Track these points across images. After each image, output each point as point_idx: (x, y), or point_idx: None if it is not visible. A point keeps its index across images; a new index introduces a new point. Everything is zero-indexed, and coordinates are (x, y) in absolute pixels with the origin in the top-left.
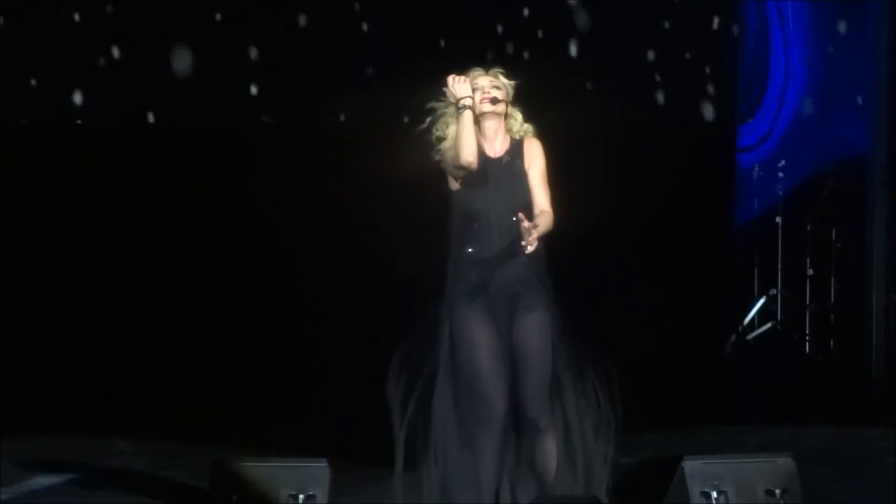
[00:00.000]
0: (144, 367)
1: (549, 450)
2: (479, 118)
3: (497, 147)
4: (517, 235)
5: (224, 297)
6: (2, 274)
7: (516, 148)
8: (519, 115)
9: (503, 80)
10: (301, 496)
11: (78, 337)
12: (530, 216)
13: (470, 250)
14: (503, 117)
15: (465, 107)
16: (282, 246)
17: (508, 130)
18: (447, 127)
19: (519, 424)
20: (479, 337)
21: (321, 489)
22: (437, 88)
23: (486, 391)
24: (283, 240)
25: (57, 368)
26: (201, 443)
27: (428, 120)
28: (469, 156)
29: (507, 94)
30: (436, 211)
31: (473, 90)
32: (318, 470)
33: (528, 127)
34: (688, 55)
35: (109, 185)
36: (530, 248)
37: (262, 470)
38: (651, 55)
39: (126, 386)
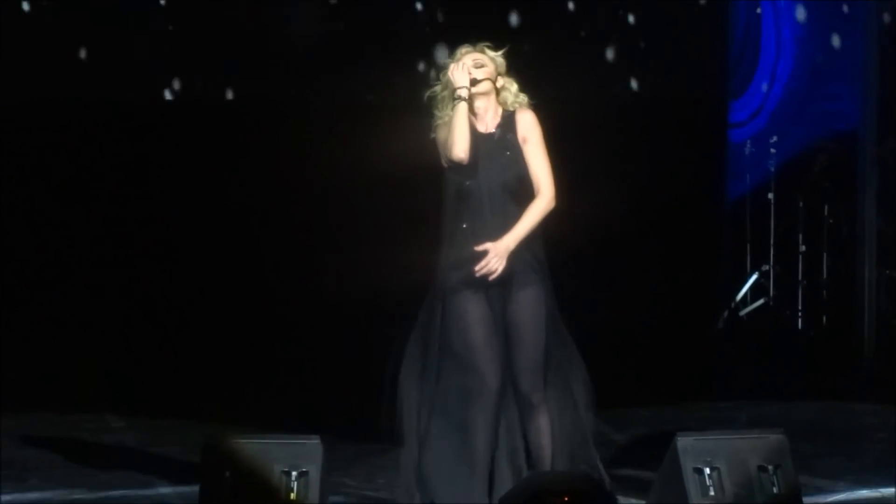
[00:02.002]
0: (136, 343)
1: (543, 427)
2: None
3: (488, 122)
4: (509, 210)
5: (217, 275)
6: None
7: (508, 121)
8: (514, 87)
9: (490, 53)
10: (294, 472)
11: (70, 312)
12: (524, 189)
13: (463, 226)
14: (493, 93)
15: (460, 98)
16: (276, 224)
17: (502, 103)
18: (443, 109)
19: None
20: (471, 312)
21: (314, 465)
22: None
23: (479, 365)
24: (277, 218)
25: (49, 344)
26: (193, 419)
27: (426, 96)
28: (460, 152)
29: (495, 69)
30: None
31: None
32: (311, 446)
33: (522, 98)
34: (678, 30)
35: (104, 164)
36: (487, 271)
37: (254, 446)
38: (641, 30)
39: (118, 362)
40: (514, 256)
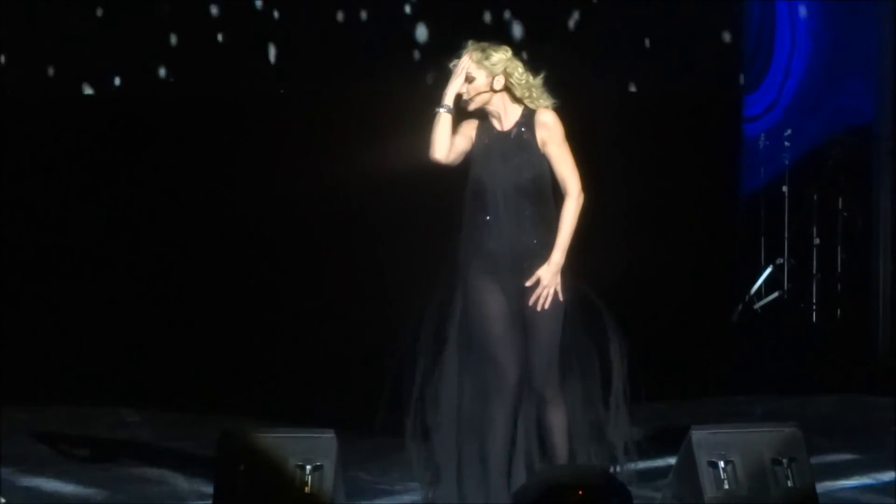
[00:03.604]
0: (152, 338)
1: (555, 423)
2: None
3: (507, 120)
4: (522, 209)
5: (232, 268)
6: (7, 244)
7: (528, 119)
8: (527, 82)
9: (493, 54)
10: (308, 467)
11: (85, 307)
12: (538, 189)
13: (480, 221)
14: (506, 92)
15: (438, 111)
16: (292, 218)
17: (524, 99)
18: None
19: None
20: (489, 306)
21: (328, 460)
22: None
23: (499, 358)
24: (291, 211)
25: (64, 339)
26: (208, 413)
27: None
28: (435, 153)
29: (493, 69)
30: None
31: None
32: (325, 441)
33: (542, 97)
34: (693, 25)
35: (113, 157)
36: (545, 296)
37: (269, 440)
38: (656, 24)
39: (133, 356)
40: (528, 251)
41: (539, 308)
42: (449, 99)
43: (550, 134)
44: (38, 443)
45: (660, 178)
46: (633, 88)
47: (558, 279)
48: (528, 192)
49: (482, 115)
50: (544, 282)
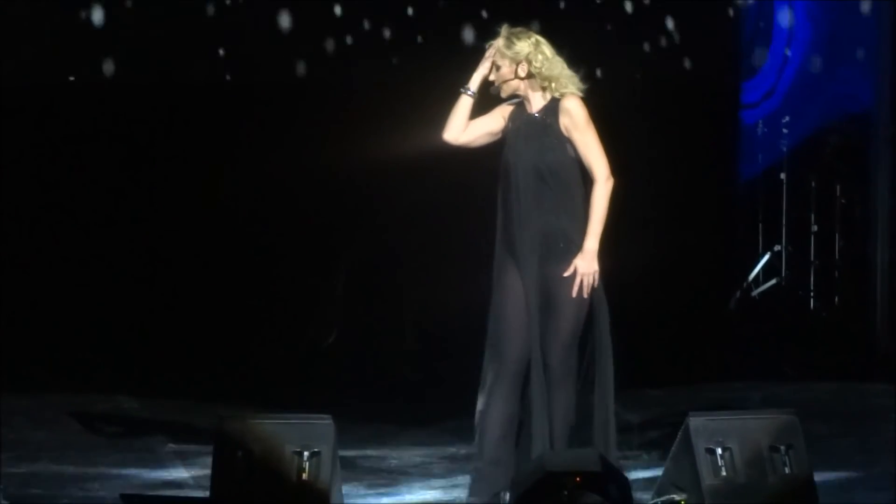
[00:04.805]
0: (150, 324)
1: (558, 409)
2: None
3: (534, 106)
4: (542, 194)
5: (231, 255)
6: (5, 232)
7: (553, 106)
8: (547, 71)
9: (516, 42)
10: (306, 452)
11: (83, 294)
12: (559, 175)
13: (505, 201)
14: (530, 78)
15: (462, 92)
16: (285, 204)
17: (546, 88)
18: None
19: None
20: (504, 284)
21: (326, 445)
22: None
23: (502, 335)
24: (286, 198)
25: (62, 325)
26: (206, 399)
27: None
28: (444, 134)
29: (516, 58)
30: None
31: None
32: (322, 426)
33: (566, 85)
34: (691, 11)
35: (109, 146)
36: (587, 283)
37: (266, 426)
38: (654, 10)
39: (131, 343)
40: (547, 233)
41: (574, 294)
42: (473, 83)
43: (573, 120)
44: (36, 429)
45: (658, 166)
46: (631, 74)
47: (595, 266)
48: (550, 176)
49: (519, 99)
50: (581, 269)
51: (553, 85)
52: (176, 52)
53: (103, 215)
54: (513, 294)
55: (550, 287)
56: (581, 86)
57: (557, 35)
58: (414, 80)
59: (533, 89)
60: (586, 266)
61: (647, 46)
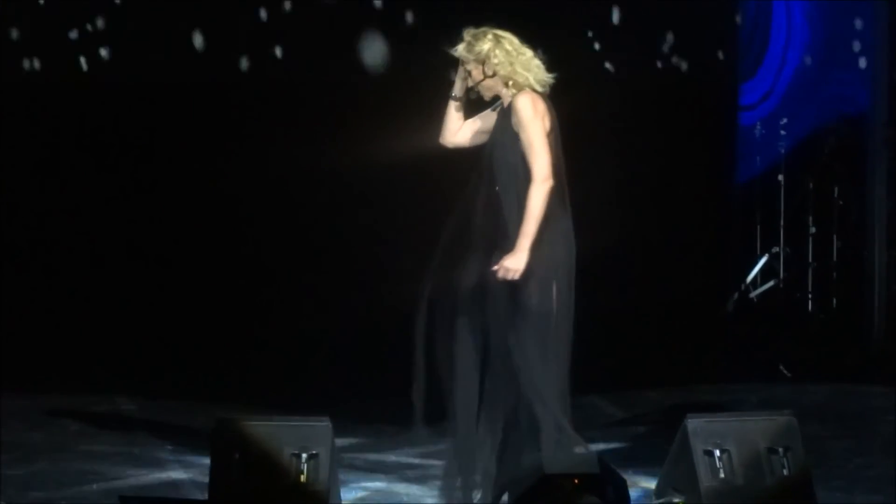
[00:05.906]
0: (147, 325)
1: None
2: None
3: (505, 102)
4: (511, 188)
5: (229, 255)
6: (5, 232)
7: (511, 105)
8: (512, 68)
9: (475, 44)
10: (304, 455)
11: (80, 295)
12: (513, 170)
13: (487, 193)
14: (493, 78)
15: (449, 97)
16: (284, 202)
17: (509, 83)
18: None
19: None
20: (464, 276)
21: (324, 448)
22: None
23: (457, 334)
24: (283, 196)
25: (59, 326)
26: (204, 401)
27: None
28: (440, 138)
29: (479, 59)
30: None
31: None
32: (320, 428)
33: (522, 83)
34: (689, 12)
35: (105, 144)
36: (504, 275)
37: (264, 429)
38: (652, 13)
39: (128, 344)
40: (499, 232)
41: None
42: (456, 89)
43: (517, 118)
44: (32, 430)
45: (655, 167)
46: (628, 76)
47: (522, 264)
48: (502, 173)
49: None
50: (506, 265)
51: (510, 82)
52: (176, 52)
53: (102, 216)
54: (471, 289)
55: (490, 282)
56: (546, 79)
57: (557, 35)
58: (414, 80)
59: (502, 87)
60: (512, 263)
61: (645, 48)
